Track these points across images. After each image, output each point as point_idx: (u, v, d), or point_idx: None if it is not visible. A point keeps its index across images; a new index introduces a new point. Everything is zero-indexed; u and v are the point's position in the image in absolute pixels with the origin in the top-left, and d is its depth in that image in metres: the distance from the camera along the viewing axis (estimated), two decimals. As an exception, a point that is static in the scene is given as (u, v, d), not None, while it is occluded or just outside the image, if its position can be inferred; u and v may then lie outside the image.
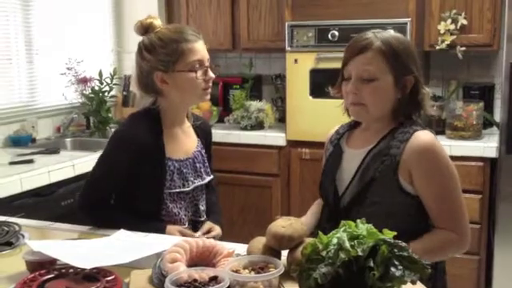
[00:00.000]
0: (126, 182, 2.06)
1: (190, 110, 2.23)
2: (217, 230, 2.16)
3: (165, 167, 2.06)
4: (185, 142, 2.15)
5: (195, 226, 2.17)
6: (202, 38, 2.09)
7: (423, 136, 1.78)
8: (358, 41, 1.83)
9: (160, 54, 2.02)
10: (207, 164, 2.22)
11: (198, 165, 2.16)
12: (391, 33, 1.86)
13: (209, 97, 2.13)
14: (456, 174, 1.79)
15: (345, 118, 2.00)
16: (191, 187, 2.12)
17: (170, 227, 2.04)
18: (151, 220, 2.03)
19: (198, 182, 2.15)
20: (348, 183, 1.84)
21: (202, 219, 2.19)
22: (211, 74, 2.09)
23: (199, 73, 2.04)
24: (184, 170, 2.10)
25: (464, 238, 1.78)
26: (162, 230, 2.00)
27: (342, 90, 1.88)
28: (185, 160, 2.12)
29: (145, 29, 2.07)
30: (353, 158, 1.88)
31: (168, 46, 2.02)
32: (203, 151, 2.21)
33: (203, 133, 2.26)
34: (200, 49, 2.06)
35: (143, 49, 2.06)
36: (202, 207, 2.20)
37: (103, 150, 2.12)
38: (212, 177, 2.23)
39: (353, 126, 1.99)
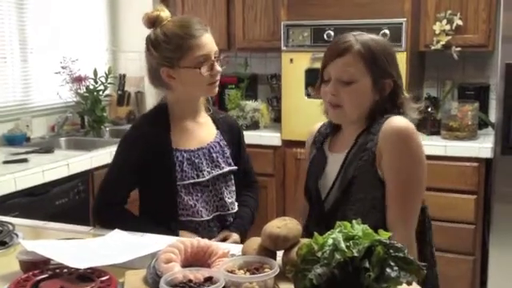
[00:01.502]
0: (139, 182, 2.09)
1: (207, 103, 2.20)
2: (233, 237, 2.09)
3: (172, 158, 2.04)
4: (198, 133, 2.13)
5: (224, 220, 2.14)
6: (209, 30, 2.06)
7: (395, 120, 1.75)
8: (338, 43, 1.83)
9: (165, 50, 2.01)
10: (228, 154, 2.15)
11: (214, 154, 2.11)
12: (372, 36, 1.86)
13: (216, 90, 2.10)
14: (425, 166, 1.75)
15: None
16: (207, 177, 2.08)
17: (184, 233, 2.01)
18: (162, 226, 2.00)
19: (216, 172, 2.10)
20: (330, 187, 1.85)
21: (231, 212, 2.14)
22: (218, 68, 2.05)
23: (204, 68, 2.02)
24: (196, 160, 2.07)
25: (405, 235, 1.70)
26: (173, 234, 1.96)
27: (320, 91, 1.88)
28: (196, 150, 2.09)
29: (151, 22, 2.05)
30: (334, 163, 1.88)
31: (172, 42, 2.00)
32: (223, 142, 2.16)
33: (226, 126, 2.21)
34: (206, 42, 2.02)
35: (150, 44, 2.05)
36: (230, 199, 2.14)
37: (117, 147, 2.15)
38: (234, 167, 2.16)
39: (334, 126, 1.98)
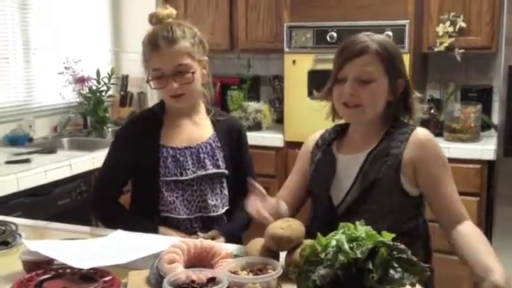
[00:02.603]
0: (131, 177, 2.15)
1: (206, 104, 2.21)
2: (218, 240, 2.02)
3: (157, 154, 2.07)
4: (190, 132, 2.12)
5: (208, 221, 2.11)
6: (180, 42, 2.00)
7: (422, 132, 1.84)
8: (354, 43, 1.84)
9: (142, 53, 2.09)
10: (218, 157, 2.12)
11: (202, 155, 2.10)
12: (382, 36, 1.89)
13: (179, 105, 2.08)
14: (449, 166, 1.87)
15: (340, 121, 1.99)
16: (190, 176, 2.07)
17: (163, 229, 2.04)
18: (144, 219, 2.06)
19: (201, 173, 2.08)
20: (348, 190, 1.84)
21: (214, 214, 2.10)
22: (173, 85, 2.00)
23: (158, 82, 2.03)
24: (181, 158, 2.07)
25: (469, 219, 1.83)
26: (152, 230, 1.97)
27: (332, 92, 1.88)
28: (183, 148, 2.09)
29: (151, 19, 2.09)
30: (350, 164, 1.87)
31: (143, 48, 2.07)
32: (216, 144, 2.13)
33: (225, 128, 2.18)
34: (162, 58, 2.00)
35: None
36: (213, 202, 2.10)
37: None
38: (223, 170, 2.11)
39: (339, 131, 1.98)
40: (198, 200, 2.10)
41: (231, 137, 2.19)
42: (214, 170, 2.11)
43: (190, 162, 2.08)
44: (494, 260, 1.64)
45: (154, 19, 2.07)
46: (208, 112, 2.19)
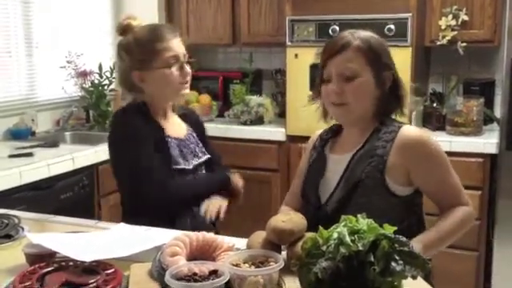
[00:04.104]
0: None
1: (174, 105, 2.28)
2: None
3: (167, 143, 2.12)
4: (173, 130, 2.21)
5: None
6: (178, 34, 2.16)
7: (408, 131, 1.81)
8: (335, 41, 1.85)
9: (136, 53, 2.11)
10: (201, 145, 2.29)
11: (191, 146, 2.24)
12: (368, 32, 1.88)
13: (187, 91, 2.20)
14: (444, 153, 1.85)
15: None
16: (191, 166, 2.19)
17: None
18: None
19: (196, 161, 2.22)
20: (333, 189, 1.84)
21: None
22: (187, 69, 2.15)
23: (174, 68, 2.12)
24: (184, 150, 2.19)
25: (471, 206, 1.86)
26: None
27: (320, 92, 1.88)
28: (184, 139, 2.22)
29: (122, 30, 2.18)
30: (337, 164, 1.88)
31: (143, 46, 2.11)
32: (194, 135, 2.29)
33: (190, 120, 2.34)
34: (175, 46, 2.12)
35: (121, 49, 2.17)
36: None
37: (117, 148, 2.15)
38: (209, 156, 2.29)
39: (335, 130, 1.98)
40: None
41: (198, 128, 2.35)
42: (206, 157, 2.28)
43: (188, 152, 2.20)
44: (425, 236, 1.75)
45: (129, 28, 2.16)
46: (173, 110, 2.29)
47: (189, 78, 2.17)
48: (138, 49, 2.11)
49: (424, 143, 1.80)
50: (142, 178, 2.03)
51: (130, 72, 2.13)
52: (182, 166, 2.14)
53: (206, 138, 2.37)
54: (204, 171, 2.28)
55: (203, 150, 2.29)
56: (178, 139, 2.19)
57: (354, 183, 1.78)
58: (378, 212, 1.68)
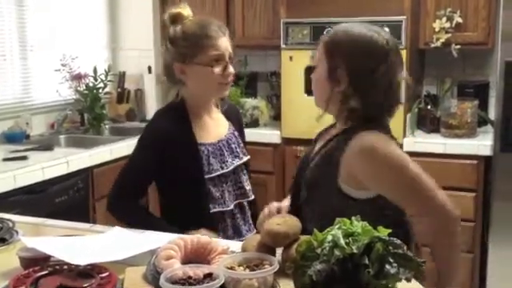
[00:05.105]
0: (162, 180, 2.14)
1: (216, 100, 2.26)
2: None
3: (198, 152, 2.10)
4: (215, 128, 2.20)
5: (242, 207, 2.23)
6: (227, 33, 2.13)
7: (362, 139, 1.73)
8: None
9: (181, 46, 2.09)
10: (242, 145, 2.26)
11: (233, 146, 2.20)
12: (354, 30, 1.80)
13: (227, 91, 2.20)
14: (405, 160, 1.71)
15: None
16: (230, 168, 2.16)
17: (204, 231, 2.00)
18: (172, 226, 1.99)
19: (237, 162, 2.19)
20: (302, 186, 1.87)
21: (249, 199, 2.25)
22: (230, 70, 2.12)
23: (217, 68, 2.09)
24: (219, 153, 2.15)
25: (447, 206, 1.67)
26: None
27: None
28: (218, 143, 2.16)
29: (173, 18, 2.13)
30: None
31: (189, 40, 2.08)
32: (236, 133, 2.26)
33: (232, 115, 2.31)
34: (220, 45, 2.09)
35: (167, 40, 2.14)
36: (248, 186, 2.24)
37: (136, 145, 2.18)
38: (249, 156, 2.27)
39: (328, 128, 1.99)
40: (234, 188, 2.20)
41: (239, 123, 2.33)
42: (246, 157, 2.25)
43: (227, 155, 2.16)
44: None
45: (180, 18, 2.13)
46: (216, 106, 2.26)
47: (231, 79, 2.14)
48: (183, 42, 2.08)
49: (370, 150, 1.71)
50: (118, 178, 2.13)
51: (172, 63, 2.11)
52: (219, 173, 2.11)
53: (244, 136, 2.34)
54: (245, 173, 2.24)
55: (244, 150, 2.26)
56: (213, 144, 2.14)
57: (310, 182, 1.82)
58: (328, 212, 1.57)
